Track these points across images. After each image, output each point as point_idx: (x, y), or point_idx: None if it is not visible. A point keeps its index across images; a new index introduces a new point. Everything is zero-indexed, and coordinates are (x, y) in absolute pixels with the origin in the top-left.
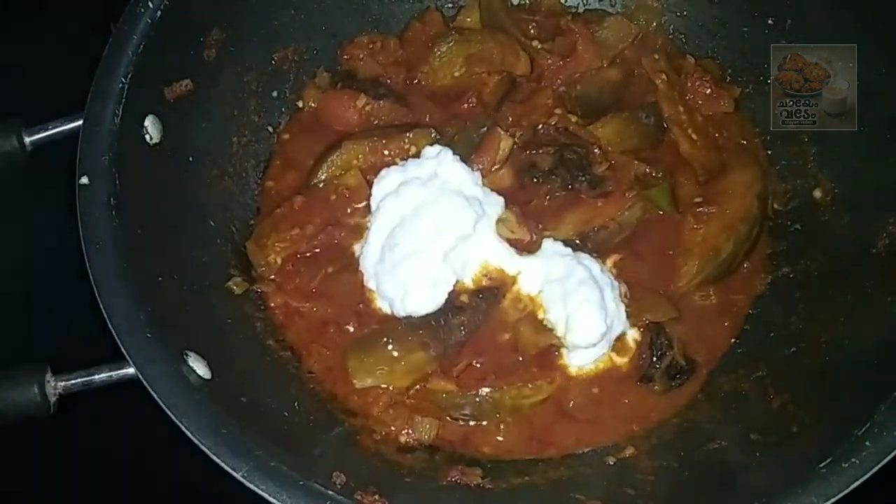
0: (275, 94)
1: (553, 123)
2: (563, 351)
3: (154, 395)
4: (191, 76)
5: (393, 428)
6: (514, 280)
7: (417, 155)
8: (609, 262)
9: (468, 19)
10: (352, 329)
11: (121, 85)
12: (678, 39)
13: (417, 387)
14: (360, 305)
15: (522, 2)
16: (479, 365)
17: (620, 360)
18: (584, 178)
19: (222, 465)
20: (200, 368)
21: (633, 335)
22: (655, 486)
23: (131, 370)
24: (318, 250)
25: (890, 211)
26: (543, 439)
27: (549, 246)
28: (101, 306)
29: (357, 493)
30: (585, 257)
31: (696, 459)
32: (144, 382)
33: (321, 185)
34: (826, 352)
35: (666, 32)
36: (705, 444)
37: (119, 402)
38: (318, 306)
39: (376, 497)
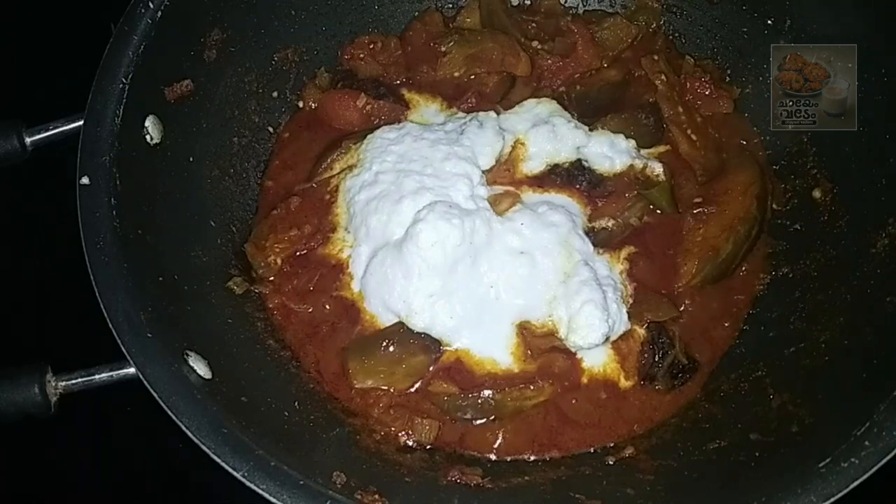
0: (275, 94)
1: None
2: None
3: (154, 395)
4: (191, 76)
5: (393, 429)
6: None
7: None
8: (610, 262)
9: (468, 19)
10: (345, 330)
11: (121, 85)
12: (678, 40)
13: (418, 388)
14: (354, 306)
15: (522, 2)
16: None
17: (622, 361)
18: (584, 178)
19: (222, 464)
20: (200, 368)
21: (634, 335)
22: (655, 486)
23: (131, 370)
24: (315, 251)
25: (890, 211)
26: (544, 440)
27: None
28: (101, 306)
29: (357, 492)
30: (592, 257)
31: (696, 459)
32: (144, 382)
33: (319, 185)
34: (826, 352)
35: (666, 33)
36: (705, 444)
37: (119, 402)
38: (313, 307)
39: (376, 497)
